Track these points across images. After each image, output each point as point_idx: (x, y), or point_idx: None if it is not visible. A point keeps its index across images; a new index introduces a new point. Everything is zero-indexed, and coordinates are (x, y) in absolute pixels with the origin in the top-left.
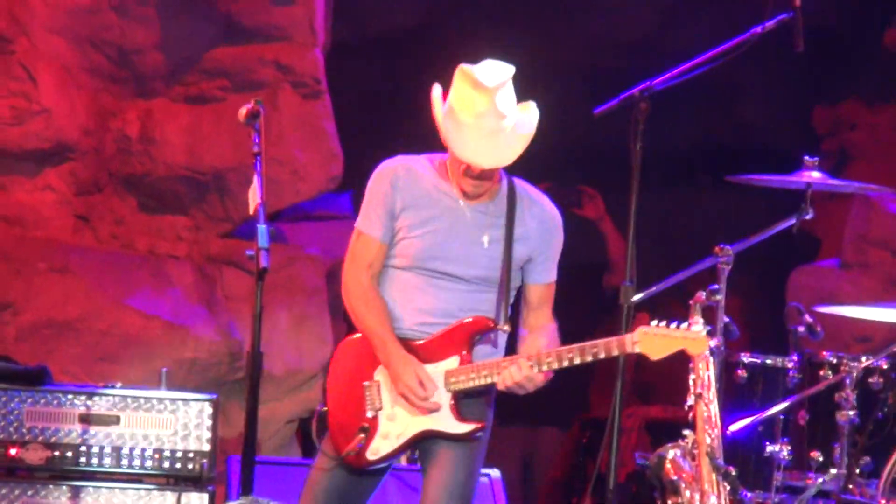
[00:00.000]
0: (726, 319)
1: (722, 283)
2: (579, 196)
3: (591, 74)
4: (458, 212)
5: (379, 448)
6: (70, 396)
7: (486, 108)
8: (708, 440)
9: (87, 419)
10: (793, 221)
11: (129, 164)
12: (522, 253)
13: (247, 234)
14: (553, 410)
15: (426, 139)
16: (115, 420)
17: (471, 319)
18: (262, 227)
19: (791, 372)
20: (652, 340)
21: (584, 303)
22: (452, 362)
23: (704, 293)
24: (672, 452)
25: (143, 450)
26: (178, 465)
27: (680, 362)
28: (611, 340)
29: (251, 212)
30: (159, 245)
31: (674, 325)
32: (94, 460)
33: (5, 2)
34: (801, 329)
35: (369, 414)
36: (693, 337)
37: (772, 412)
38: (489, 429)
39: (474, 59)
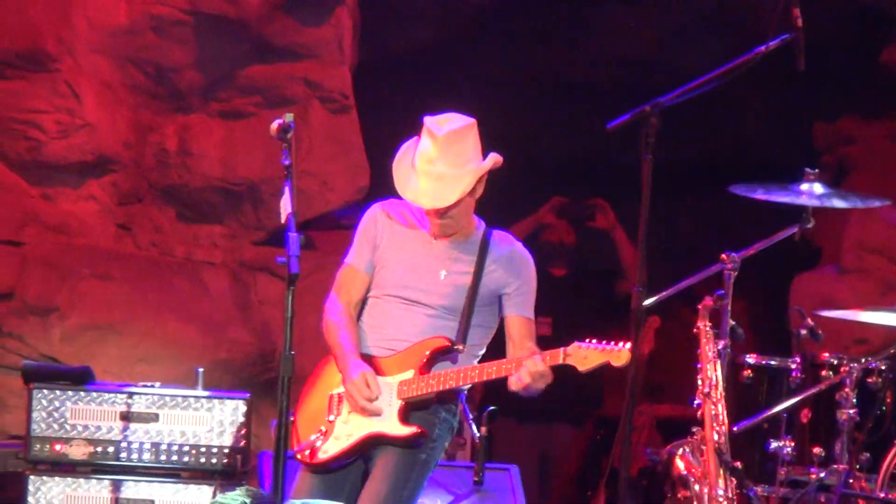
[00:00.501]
0: (732, 323)
1: (728, 288)
2: (591, 208)
3: (600, 91)
4: (428, 247)
5: (329, 448)
6: (111, 395)
7: (436, 155)
8: (716, 437)
9: (127, 417)
10: (795, 230)
11: (167, 176)
12: (491, 284)
13: (279, 242)
14: (568, 409)
15: None
16: (154, 418)
17: (428, 339)
18: (292, 236)
19: (794, 372)
20: (582, 354)
21: (599, 308)
22: (408, 374)
23: (712, 298)
24: (682, 448)
25: (181, 446)
26: (214, 461)
27: (688, 363)
28: (545, 354)
29: (283, 221)
30: (196, 252)
31: (604, 343)
32: (134, 456)
33: (51, 24)
34: (804, 332)
35: (329, 418)
36: (617, 351)
37: (776, 410)
38: (438, 448)
39: (488, 79)
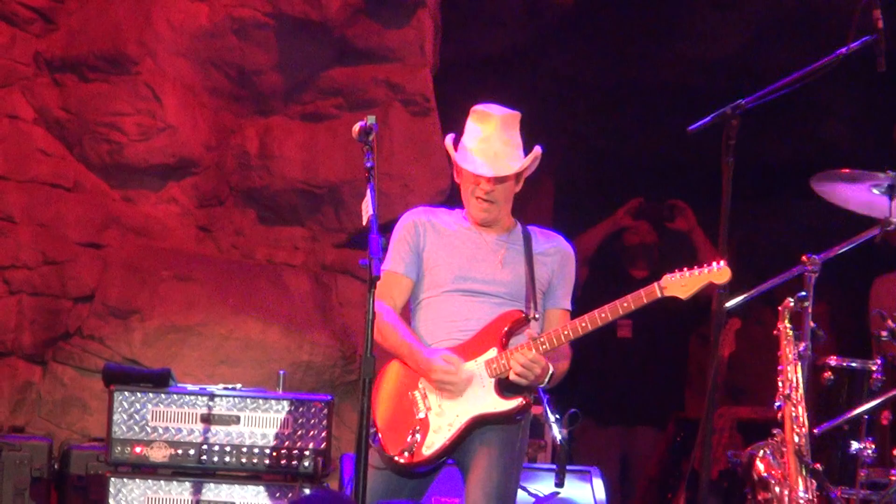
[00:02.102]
0: (813, 325)
1: (809, 290)
2: (671, 210)
3: (680, 94)
4: (478, 239)
5: (433, 441)
6: (192, 398)
7: (491, 132)
8: (796, 439)
9: (208, 419)
10: (876, 232)
11: (248, 178)
12: (543, 272)
13: (360, 245)
14: (649, 411)
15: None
16: (235, 420)
17: (502, 314)
18: (374, 238)
19: (875, 374)
20: (679, 283)
21: (679, 311)
22: (492, 352)
23: (793, 300)
24: (762, 450)
25: (262, 448)
26: (295, 463)
27: (769, 365)
28: (639, 291)
29: (364, 223)
30: (277, 254)
31: (695, 266)
32: (215, 458)
33: (133, 26)
34: (885, 334)
35: (420, 416)
36: (717, 270)
37: (857, 413)
38: (528, 422)
39: (570, 82)
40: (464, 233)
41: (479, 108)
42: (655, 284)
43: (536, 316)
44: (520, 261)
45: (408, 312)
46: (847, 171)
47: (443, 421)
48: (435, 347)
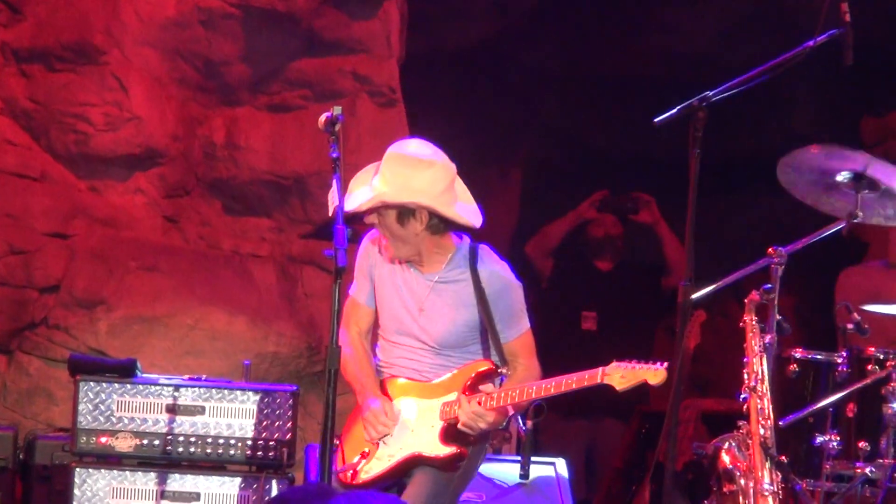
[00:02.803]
0: (779, 317)
1: (775, 282)
2: (635, 202)
3: (648, 86)
4: (408, 282)
5: (372, 468)
6: (158, 388)
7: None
8: (761, 431)
9: (173, 409)
10: (842, 225)
11: (215, 169)
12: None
13: (326, 236)
14: (614, 404)
15: (491, 144)
16: (201, 410)
17: (474, 362)
18: (340, 229)
19: (840, 367)
20: (620, 373)
21: (644, 302)
22: (452, 396)
23: (758, 292)
24: (727, 443)
25: (227, 439)
26: (260, 453)
27: (734, 357)
28: (583, 374)
29: (330, 214)
30: (243, 245)
31: (642, 363)
32: (180, 448)
33: (100, 17)
34: (850, 326)
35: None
36: (654, 370)
37: (822, 405)
38: (476, 461)
39: (539, 74)
40: (397, 272)
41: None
42: (600, 370)
43: (506, 371)
44: (449, 303)
45: (376, 335)
46: (815, 149)
47: (385, 451)
48: (377, 394)
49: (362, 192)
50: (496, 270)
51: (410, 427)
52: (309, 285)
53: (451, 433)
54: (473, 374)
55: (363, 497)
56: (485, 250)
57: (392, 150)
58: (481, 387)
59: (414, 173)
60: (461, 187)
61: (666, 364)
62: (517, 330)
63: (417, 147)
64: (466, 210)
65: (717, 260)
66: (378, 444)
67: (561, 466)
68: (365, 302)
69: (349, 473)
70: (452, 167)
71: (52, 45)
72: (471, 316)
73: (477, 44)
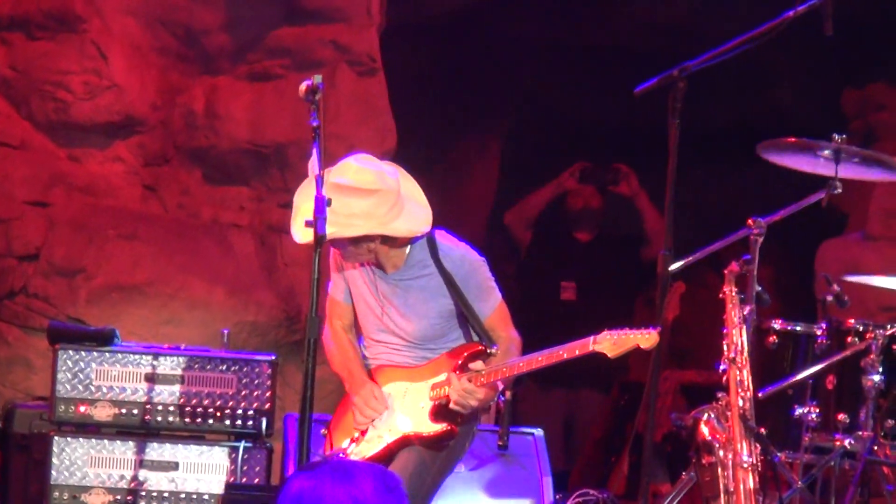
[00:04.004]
0: (758, 288)
1: (754, 253)
2: (615, 174)
3: (629, 57)
4: (375, 286)
5: (362, 450)
6: (137, 357)
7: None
8: (740, 403)
9: (152, 378)
10: (822, 196)
11: (194, 138)
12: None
13: None
14: (593, 374)
15: (471, 114)
16: (179, 379)
17: (462, 345)
18: (319, 198)
19: (819, 339)
20: (611, 340)
21: (623, 273)
22: (441, 377)
23: (738, 263)
24: (706, 414)
25: (206, 408)
26: (238, 423)
27: (714, 328)
28: (574, 344)
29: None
30: (223, 214)
31: (627, 329)
32: (159, 417)
33: None
34: (830, 298)
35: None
36: (645, 335)
37: (801, 377)
38: (463, 440)
39: (520, 43)
40: (363, 276)
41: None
42: (590, 339)
43: (493, 351)
44: (421, 298)
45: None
46: (793, 139)
47: (374, 433)
48: (366, 379)
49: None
50: (459, 254)
51: (400, 409)
52: (288, 254)
53: (441, 412)
54: (465, 355)
55: (346, 465)
56: (442, 236)
57: (333, 179)
58: (471, 365)
59: (357, 202)
60: (408, 187)
61: (658, 328)
62: (491, 304)
63: (357, 173)
64: (415, 215)
65: (697, 231)
66: (367, 428)
67: (539, 437)
68: (342, 300)
69: (340, 456)
70: (395, 181)
71: (32, 12)
72: (444, 306)
73: (458, 13)
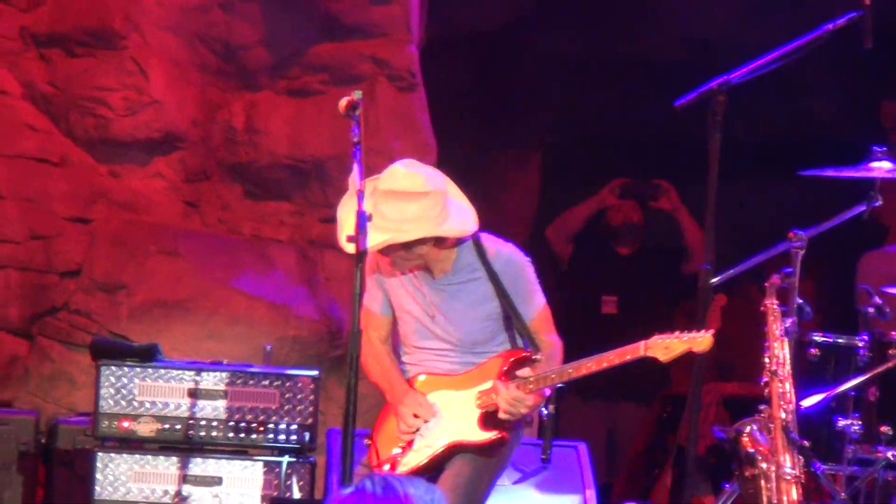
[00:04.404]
0: (799, 301)
1: (795, 266)
2: (655, 189)
3: (668, 70)
4: (421, 292)
5: (410, 460)
6: (179, 372)
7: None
8: (783, 415)
9: (195, 394)
10: (863, 209)
11: (234, 154)
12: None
13: None
14: (635, 387)
15: (511, 130)
16: (222, 394)
17: (506, 351)
18: (360, 213)
19: (861, 350)
20: (663, 345)
21: (665, 287)
22: (487, 384)
23: (779, 276)
24: (749, 427)
25: (248, 423)
26: (282, 437)
27: (755, 341)
28: (625, 349)
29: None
30: (263, 229)
31: (679, 333)
32: (202, 432)
33: (120, 2)
34: (871, 310)
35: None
36: (698, 339)
37: (843, 389)
38: (512, 447)
39: (556, 59)
40: (408, 283)
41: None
42: (641, 344)
43: (539, 357)
44: (469, 301)
45: (397, 343)
46: (832, 171)
47: (422, 443)
48: (407, 388)
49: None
50: (507, 254)
51: (447, 418)
52: (329, 269)
53: (489, 420)
54: (511, 361)
55: (387, 479)
56: (489, 239)
57: (384, 186)
58: (518, 373)
59: (409, 206)
60: (453, 190)
61: (712, 330)
62: (535, 307)
63: (406, 178)
64: (463, 216)
65: (737, 244)
66: (414, 437)
67: (582, 449)
68: (379, 311)
69: (387, 466)
70: (442, 183)
71: (71, 29)
72: (492, 310)
73: (496, 28)
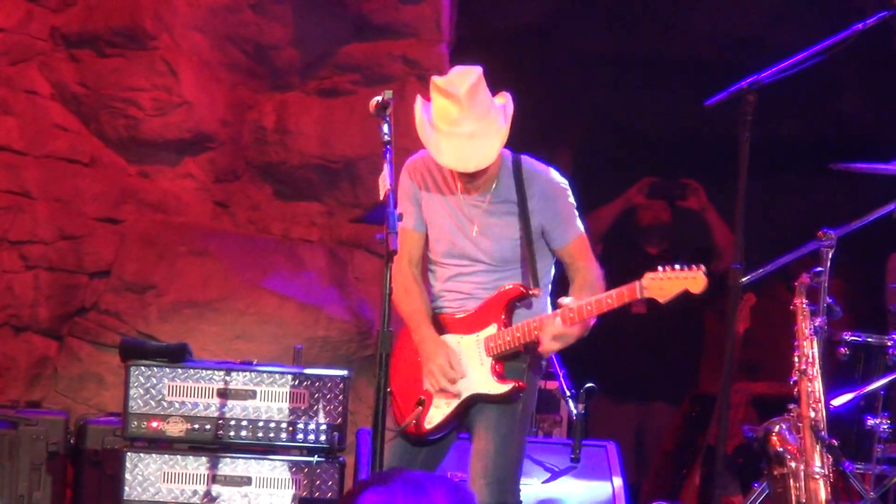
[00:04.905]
0: (829, 300)
1: (825, 265)
2: (683, 189)
3: (697, 68)
4: (458, 206)
5: (433, 417)
6: (209, 372)
7: (458, 115)
8: (812, 414)
9: (224, 394)
10: (892, 208)
11: (265, 154)
12: (535, 223)
13: (376, 219)
14: (664, 387)
15: (543, 132)
16: (252, 395)
17: (503, 289)
18: (391, 212)
19: (891, 350)
20: (658, 285)
21: None
22: (491, 329)
23: (808, 275)
24: (778, 426)
25: (278, 423)
26: (311, 437)
27: (784, 340)
28: (622, 289)
29: (381, 197)
30: (293, 230)
31: (677, 267)
32: (231, 433)
33: (150, 2)
34: None
35: (426, 386)
36: (692, 276)
37: (872, 388)
38: (533, 393)
39: (586, 57)
40: (446, 196)
41: (441, 84)
42: (637, 285)
43: (536, 293)
44: (503, 222)
45: (426, 263)
46: (863, 166)
47: (442, 397)
48: (439, 339)
49: (472, 139)
50: (548, 178)
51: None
52: (359, 269)
53: (502, 368)
54: (506, 302)
55: (419, 478)
56: (528, 161)
57: (461, 89)
58: (516, 312)
59: (483, 87)
60: None
61: (703, 268)
62: (574, 232)
63: (464, 75)
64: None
65: (767, 243)
66: (431, 391)
67: (612, 449)
68: (413, 227)
69: (414, 423)
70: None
71: (101, 29)
72: (521, 233)
73: (525, 27)
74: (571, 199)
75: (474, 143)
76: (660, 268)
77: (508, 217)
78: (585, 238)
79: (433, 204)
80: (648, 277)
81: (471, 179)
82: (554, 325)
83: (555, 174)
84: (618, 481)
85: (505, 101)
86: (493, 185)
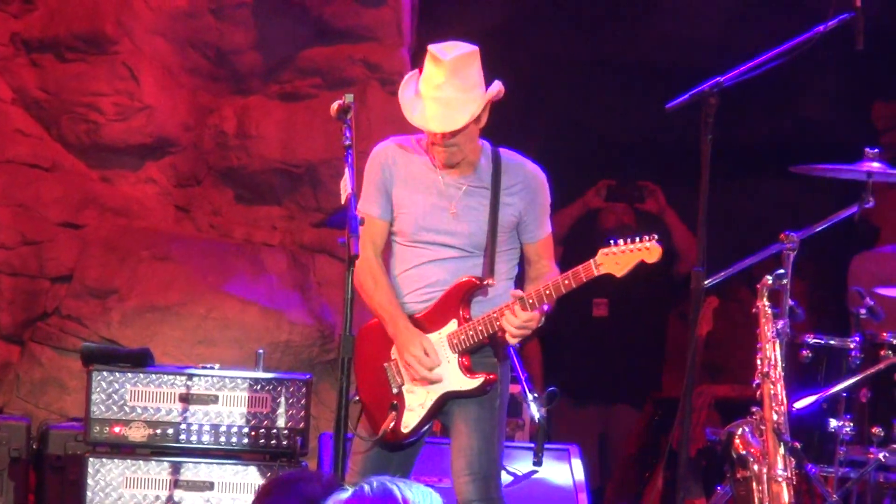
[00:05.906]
0: (792, 303)
1: (787, 268)
2: (641, 191)
3: (660, 72)
4: (439, 183)
5: (408, 421)
6: (171, 377)
7: (443, 80)
8: (775, 417)
9: (186, 398)
10: (854, 210)
11: (226, 158)
12: (509, 217)
13: (338, 223)
14: (627, 390)
15: (503, 134)
16: (214, 399)
17: (456, 283)
18: (353, 216)
19: (853, 352)
20: (612, 259)
21: (657, 289)
22: (452, 325)
23: (771, 278)
24: (741, 429)
25: (240, 427)
26: (273, 442)
27: (747, 343)
28: (578, 269)
29: (343, 202)
30: (255, 234)
31: (629, 241)
32: (194, 437)
33: (111, 6)
34: (863, 311)
35: (394, 391)
36: (646, 247)
37: (835, 390)
38: (506, 383)
39: (549, 60)
40: (426, 175)
41: (433, 49)
42: (591, 262)
43: (490, 282)
44: (480, 206)
45: (387, 251)
46: (824, 166)
47: (415, 399)
48: (415, 330)
49: (450, 105)
50: (530, 171)
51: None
52: (321, 273)
53: (469, 362)
54: (461, 295)
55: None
56: (507, 153)
57: (449, 55)
58: (473, 306)
59: (475, 65)
60: None
61: (656, 237)
62: (546, 229)
63: (457, 46)
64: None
65: (729, 246)
66: (401, 393)
67: (575, 453)
68: (380, 215)
69: (390, 431)
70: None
71: (62, 34)
72: (489, 227)
73: (486, 30)
74: (549, 196)
75: (448, 110)
76: (612, 241)
77: (484, 202)
78: (551, 239)
79: (410, 183)
80: (602, 253)
81: (446, 152)
82: (515, 312)
83: (536, 167)
84: (581, 485)
85: (494, 87)
86: (473, 171)
